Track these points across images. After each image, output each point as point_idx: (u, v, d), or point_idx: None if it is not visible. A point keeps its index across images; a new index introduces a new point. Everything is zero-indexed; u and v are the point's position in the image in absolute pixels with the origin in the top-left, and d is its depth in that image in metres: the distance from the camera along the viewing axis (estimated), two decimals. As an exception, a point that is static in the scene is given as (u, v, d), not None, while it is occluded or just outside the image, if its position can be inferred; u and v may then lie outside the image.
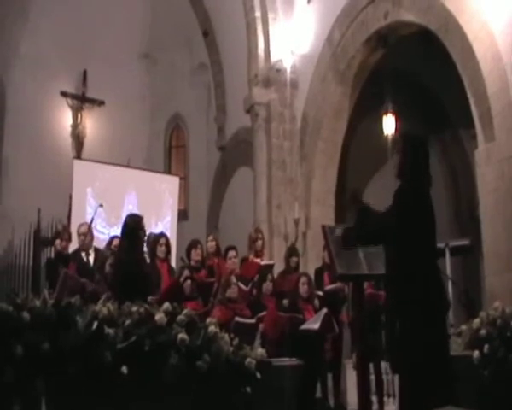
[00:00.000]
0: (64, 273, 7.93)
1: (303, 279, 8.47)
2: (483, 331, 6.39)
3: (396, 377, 6.79)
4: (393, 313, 4.98)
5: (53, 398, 4.51)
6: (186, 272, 8.20)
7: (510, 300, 7.33)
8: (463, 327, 6.73)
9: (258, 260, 9.58)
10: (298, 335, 7.72)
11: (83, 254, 9.41)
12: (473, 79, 8.98)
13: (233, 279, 8.12)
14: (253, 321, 7.61)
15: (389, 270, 5.02)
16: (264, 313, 8.07)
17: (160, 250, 8.63)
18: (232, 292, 7.97)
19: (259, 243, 9.80)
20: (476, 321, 6.54)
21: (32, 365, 4.31)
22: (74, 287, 7.29)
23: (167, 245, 8.76)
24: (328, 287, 8.98)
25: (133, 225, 7.08)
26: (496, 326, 6.42)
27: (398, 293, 4.90)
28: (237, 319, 7.26)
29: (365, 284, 7.36)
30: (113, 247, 8.94)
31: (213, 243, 9.72)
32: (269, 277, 8.71)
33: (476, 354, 6.30)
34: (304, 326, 7.95)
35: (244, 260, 9.79)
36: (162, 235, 9.23)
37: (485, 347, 6.28)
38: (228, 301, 7.88)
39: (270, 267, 9.38)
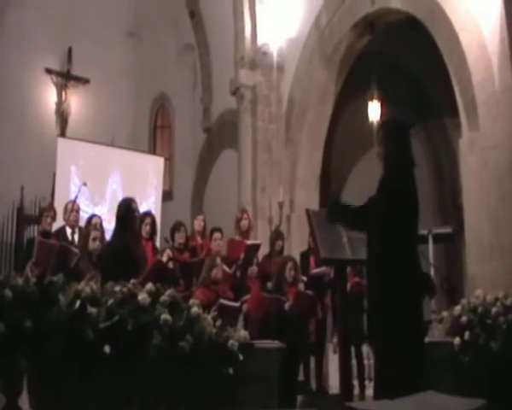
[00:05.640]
0: (38, 242, 7.92)
1: (290, 265, 8.41)
2: (464, 318, 6.46)
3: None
4: (375, 297, 5.02)
5: (34, 377, 4.51)
6: (168, 252, 8.13)
7: (491, 288, 7.41)
8: (445, 314, 6.79)
9: (244, 240, 9.54)
10: (281, 317, 7.75)
11: (68, 232, 9.37)
12: (458, 68, 9.02)
13: (218, 260, 8.06)
14: (237, 304, 7.60)
15: (370, 255, 5.06)
16: (248, 296, 8.07)
17: (145, 230, 8.55)
18: (217, 273, 7.90)
19: (244, 222, 9.74)
20: (457, 308, 6.60)
21: (13, 343, 4.30)
22: (50, 252, 7.28)
23: (152, 225, 8.66)
24: (314, 271, 8.99)
25: (124, 208, 7.06)
26: (477, 314, 6.50)
27: (379, 278, 4.94)
28: (222, 301, 7.25)
29: (348, 269, 7.42)
30: (93, 224, 8.94)
31: (202, 223, 9.68)
32: (254, 260, 8.70)
33: (457, 340, 6.37)
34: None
35: (230, 241, 9.77)
36: (148, 214, 8.98)
37: (466, 334, 6.36)
38: (211, 282, 7.84)
39: (256, 247, 9.36)
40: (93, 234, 8.06)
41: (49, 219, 9.43)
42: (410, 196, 5.01)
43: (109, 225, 9.18)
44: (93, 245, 7.89)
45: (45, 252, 7.43)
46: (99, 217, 9.55)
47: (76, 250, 7.68)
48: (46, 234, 9.24)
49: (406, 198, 4.99)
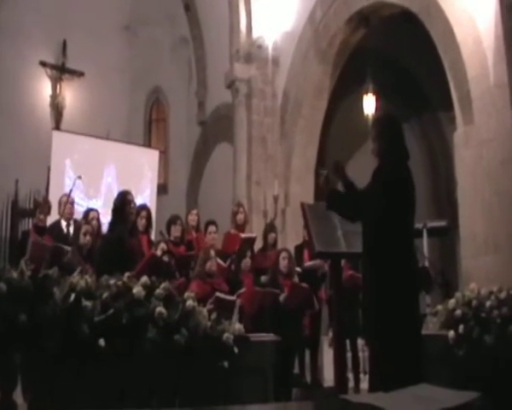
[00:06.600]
0: (32, 242, 7.90)
1: (283, 254, 8.48)
2: (458, 312, 6.47)
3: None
4: (370, 291, 5.02)
5: (29, 371, 4.51)
6: (162, 245, 8.11)
7: (486, 282, 7.41)
8: (439, 307, 6.80)
9: (239, 234, 9.53)
10: (277, 310, 7.75)
11: (63, 225, 9.35)
12: (453, 62, 9.02)
13: (212, 253, 8.04)
14: (233, 298, 7.58)
15: (366, 249, 5.06)
16: (243, 289, 8.07)
17: (141, 223, 8.52)
18: (211, 265, 7.86)
19: (240, 216, 9.75)
20: (452, 301, 6.61)
21: (8, 337, 4.29)
22: (44, 252, 7.27)
23: (148, 218, 8.63)
24: (308, 263, 9.00)
25: (119, 200, 7.05)
26: (471, 307, 6.51)
27: (374, 272, 4.95)
28: (218, 294, 7.24)
29: (342, 262, 7.41)
30: (89, 219, 8.91)
31: (196, 218, 9.68)
32: (248, 253, 8.69)
33: (451, 333, 6.38)
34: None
35: (226, 235, 9.76)
36: (144, 207, 8.94)
37: (460, 327, 6.37)
38: (206, 275, 7.82)
39: (251, 240, 9.35)
40: (84, 228, 8.02)
41: (42, 216, 9.43)
42: (407, 191, 5.02)
43: (104, 219, 9.16)
44: (83, 239, 7.87)
45: (39, 252, 7.41)
46: (96, 211, 9.50)
47: (69, 249, 7.67)
48: (40, 229, 9.22)
49: (402, 193, 4.99)
